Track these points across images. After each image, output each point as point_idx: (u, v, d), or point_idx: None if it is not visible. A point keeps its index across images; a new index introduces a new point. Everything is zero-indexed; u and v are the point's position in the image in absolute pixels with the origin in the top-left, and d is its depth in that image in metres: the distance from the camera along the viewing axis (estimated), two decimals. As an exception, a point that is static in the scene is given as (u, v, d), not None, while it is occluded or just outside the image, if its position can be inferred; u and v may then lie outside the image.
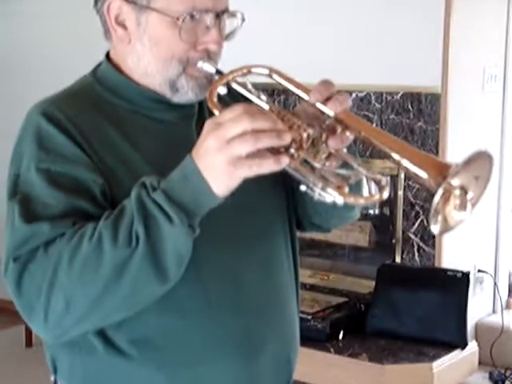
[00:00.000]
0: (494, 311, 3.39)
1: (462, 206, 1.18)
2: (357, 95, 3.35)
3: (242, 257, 1.38)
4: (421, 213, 3.24)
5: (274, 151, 1.17)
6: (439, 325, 3.04)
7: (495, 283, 3.34)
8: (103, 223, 1.21)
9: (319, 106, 1.26)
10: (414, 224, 3.24)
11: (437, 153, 3.15)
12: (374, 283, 3.22)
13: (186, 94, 1.36)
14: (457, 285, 3.05)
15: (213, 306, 1.34)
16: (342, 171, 1.23)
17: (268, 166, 1.15)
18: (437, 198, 1.12)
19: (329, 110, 1.25)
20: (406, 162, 1.19)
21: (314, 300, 3.27)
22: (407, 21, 3.21)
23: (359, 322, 3.17)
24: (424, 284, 3.09)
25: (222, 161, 1.15)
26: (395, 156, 1.21)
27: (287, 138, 1.16)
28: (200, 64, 1.34)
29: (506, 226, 3.43)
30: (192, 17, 1.31)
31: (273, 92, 3.56)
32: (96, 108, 1.35)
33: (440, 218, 1.15)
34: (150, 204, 1.18)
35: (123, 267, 1.19)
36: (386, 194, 1.20)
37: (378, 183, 1.22)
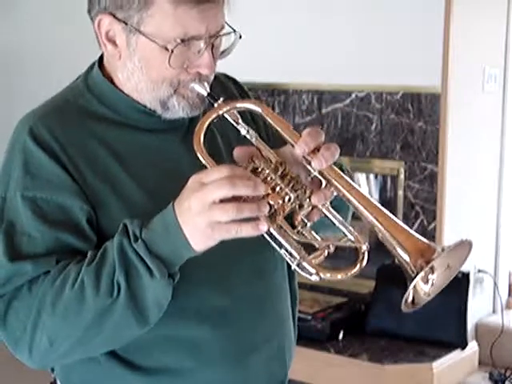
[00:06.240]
0: (494, 311, 3.39)
1: (425, 281, 1.22)
2: (357, 95, 3.35)
3: (232, 260, 1.37)
4: (421, 213, 3.24)
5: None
6: (439, 325, 3.05)
7: (495, 283, 3.34)
8: (85, 270, 1.22)
9: (306, 157, 1.23)
10: (413, 224, 3.24)
11: (437, 153, 3.15)
12: (374, 283, 3.22)
13: (177, 112, 1.34)
14: (457, 285, 3.05)
15: (202, 312, 1.34)
16: (320, 238, 1.25)
17: (246, 232, 1.17)
18: (416, 280, 1.16)
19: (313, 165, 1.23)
20: (388, 237, 1.20)
21: (314, 300, 3.27)
22: (407, 21, 3.21)
23: (359, 321, 3.17)
24: (424, 284, 3.09)
25: (201, 223, 1.17)
26: (376, 226, 1.21)
27: (265, 210, 1.18)
28: (192, 85, 1.32)
29: (506, 226, 3.43)
30: (183, 41, 1.27)
31: (272, 92, 3.56)
32: (85, 123, 1.34)
33: (412, 291, 1.20)
34: (132, 255, 1.21)
35: (105, 315, 1.22)
36: (364, 263, 1.23)
37: (357, 250, 1.24)
